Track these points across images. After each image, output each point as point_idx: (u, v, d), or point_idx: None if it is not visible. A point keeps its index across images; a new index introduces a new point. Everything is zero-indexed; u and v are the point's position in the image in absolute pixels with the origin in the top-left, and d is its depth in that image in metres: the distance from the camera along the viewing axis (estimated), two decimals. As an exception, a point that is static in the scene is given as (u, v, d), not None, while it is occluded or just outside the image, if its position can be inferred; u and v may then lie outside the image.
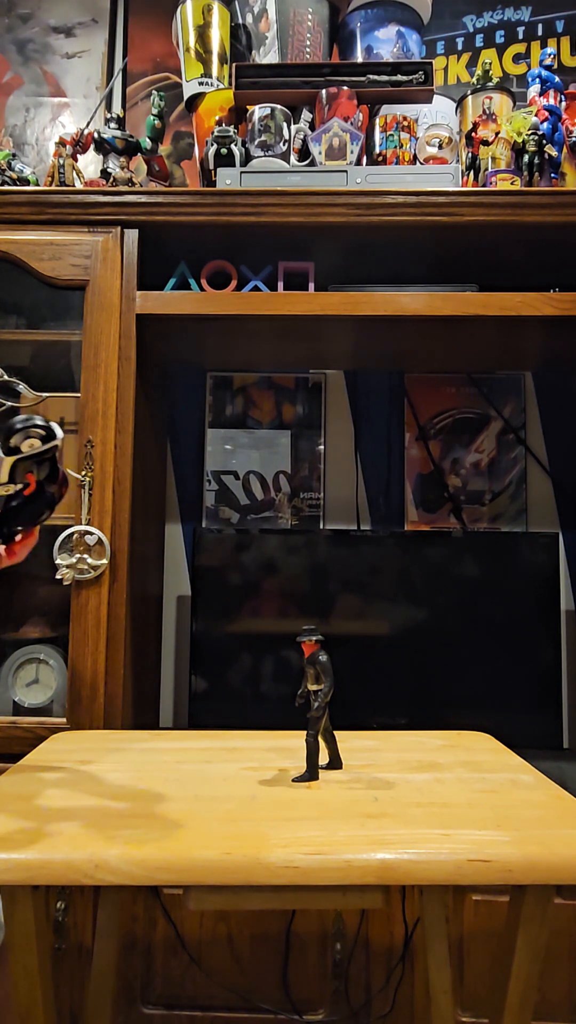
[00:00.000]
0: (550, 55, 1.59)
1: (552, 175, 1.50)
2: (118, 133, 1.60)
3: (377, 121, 1.58)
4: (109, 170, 1.57)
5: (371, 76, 1.53)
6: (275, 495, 1.91)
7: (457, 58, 1.98)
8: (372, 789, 0.77)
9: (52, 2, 2.05)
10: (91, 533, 1.37)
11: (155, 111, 1.58)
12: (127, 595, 1.38)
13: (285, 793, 0.76)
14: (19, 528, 0.67)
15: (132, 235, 1.44)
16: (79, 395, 1.42)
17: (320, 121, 1.52)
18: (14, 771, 0.85)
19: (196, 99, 1.63)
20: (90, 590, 1.36)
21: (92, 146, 1.60)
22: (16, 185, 1.52)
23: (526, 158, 1.47)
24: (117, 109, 1.74)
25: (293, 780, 0.79)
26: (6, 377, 1.46)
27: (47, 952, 0.75)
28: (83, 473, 1.39)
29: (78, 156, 1.58)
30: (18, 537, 0.67)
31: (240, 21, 1.68)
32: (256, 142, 1.51)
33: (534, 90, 1.56)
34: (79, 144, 1.57)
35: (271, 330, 1.57)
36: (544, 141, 1.48)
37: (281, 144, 1.51)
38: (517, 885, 0.69)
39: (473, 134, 1.53)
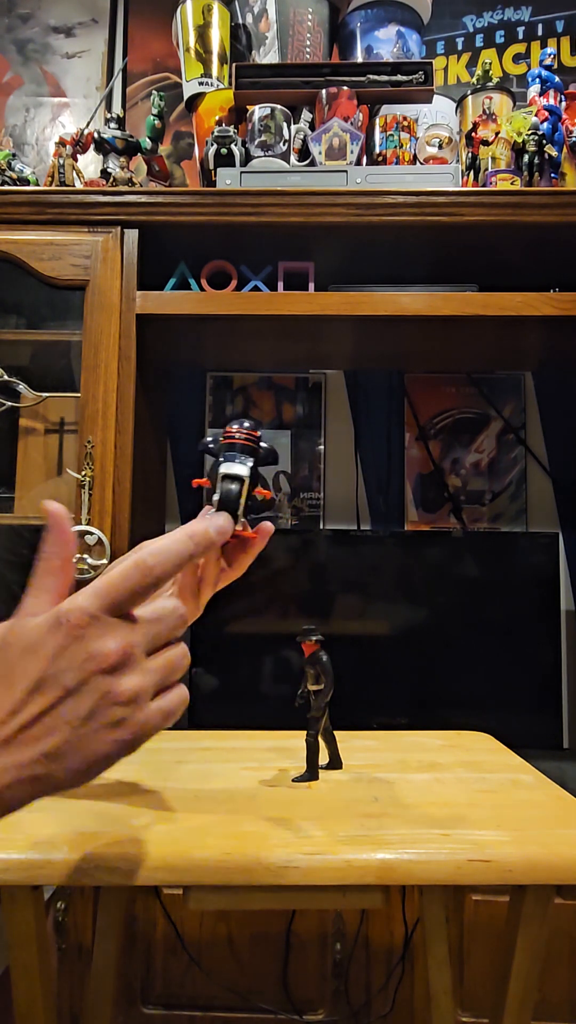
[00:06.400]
0: (550, 55, 1.59)
1: (552, 175, 1.50)
2: (118, 133, 1.60)
3: (377, 121, 1.58)
4: (109, 170, 1.57)
5: (371, 76, 1.53)
6: (275, 495, 1.91)
7: (457, 58, 1.98)
8: (372, 789, 0.77)
9: (52, 2, 2.05)
10: (91, 533, 1.37)
11: (155, 111, 1.58)
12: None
13: (285, 793, 0.76)
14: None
15: (132, 235, 1.44)
16: (79, 395, 1.42)
17: (320, 121, 1.52)
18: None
19: (196, 99, 1.63)
20: (90, 590, 1.36)
21: (92, 146, 1.60)
22: (16, 185, 1.52)
23: (526, 158, 1.47)
24: (117, 109, 1.74)
25: (293, 780, 0.79)
26: (6, 377, 1.46)
27: (47, 952, 0.75)
28: (83, 473, 1.39)
29: (78, 156, 1.58)
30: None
31: (240, 21, 1.68)
32: (256, 142, 1.51)
33: (534, 90, 1.56)
34: (79, 144, 1.57)
35: (271, 330, 1.57)
36: (544, 141, 1.48)
37: (281, 144, 1.51)
38: (517, 885, 0.69)
39: (473, 134, 1.53)
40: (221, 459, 0.61)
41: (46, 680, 0.42)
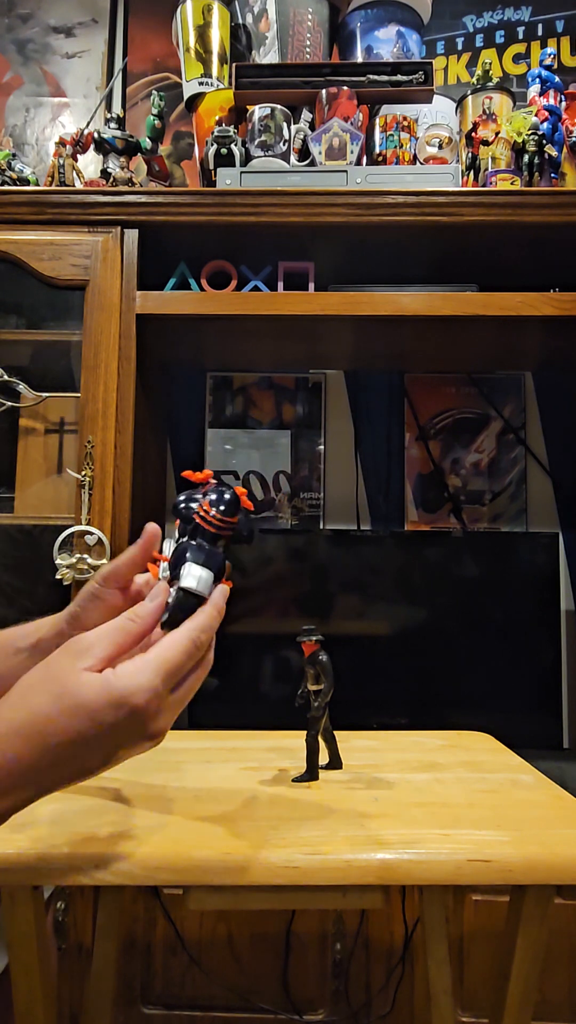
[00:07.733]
0: (550, 55, 1.59)
1: (552, 175, 1.50)
2: (118, 133, 1.60)
3: (377, 121, 1.58)
4: (109, 170, 1.57)
5: (371, 76, 1.53)
6: (275, 495, 1.91)
7: (457, 58, 1.98)
8: (372, 789, 0.77)
9: (52, 2, 2.04)
10: (91, 533, 1.38)
11: (155, 111, 1.58)
12: (127, 595, 1.38)
13: (285, 793, 0.76)
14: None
15: (132, 235, 1.44)
16: (79, 395, 1.42)
17: (320, 121, 1.52)
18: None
19: (196, 99, 1.63)
20: (90, 590, 1.36)
21: (92, 146, 1.60)
22: (16, 185, 1.52)
23: (526, 158, 1.47)
24: (117, 109, 1.74)
25: (293, 780, 0.79)
26: (6, 377, 1.46)
27: (47, 952, 0.75)
28: (83, 473, 1.39)
29: (78, 156, 1.58)
30: None
31: (240, 21, 1.68)
32: (256, 142, 1.51)
33: (534, 90, 1.56)
34: (79, 144, 1.57)
35: (271, 330, 1.57)
36: (544, 141, 1.48)
37: (281, 144, 1.51)
38: (517, 885, 0.69)
39: (473, 134, 1.53)
40: (188, 554, 0.53)
41: (97, 742, 0.46)
